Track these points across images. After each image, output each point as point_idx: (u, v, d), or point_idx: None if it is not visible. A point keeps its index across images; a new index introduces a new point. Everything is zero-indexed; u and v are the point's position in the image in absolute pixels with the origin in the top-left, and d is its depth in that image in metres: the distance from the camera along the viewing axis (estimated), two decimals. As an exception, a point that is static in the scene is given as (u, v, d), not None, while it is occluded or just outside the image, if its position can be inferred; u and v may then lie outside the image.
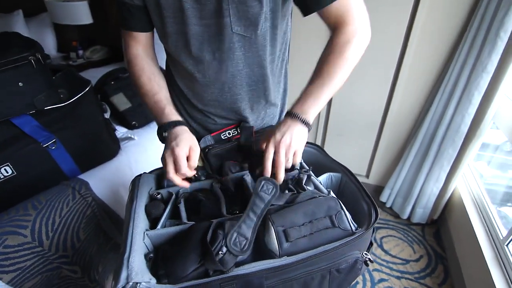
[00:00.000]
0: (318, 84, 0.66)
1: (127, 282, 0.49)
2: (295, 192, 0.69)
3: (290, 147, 0.64)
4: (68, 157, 1.12)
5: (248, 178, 0.76)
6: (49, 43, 2.91)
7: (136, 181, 0.74)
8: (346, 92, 1.75)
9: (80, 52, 2.77)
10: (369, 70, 1.64)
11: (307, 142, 0.88)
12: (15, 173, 1.00)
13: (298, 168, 0.76)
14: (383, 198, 1.90)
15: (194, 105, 0.82)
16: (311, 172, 0.76)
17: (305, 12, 0.67)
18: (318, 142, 2.00)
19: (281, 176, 0.64)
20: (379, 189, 1.97)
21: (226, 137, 0.82)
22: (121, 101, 1.54)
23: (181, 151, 0.62)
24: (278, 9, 0.68)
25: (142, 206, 0.66)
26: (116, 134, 1.43)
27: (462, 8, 1.37)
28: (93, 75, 1.75)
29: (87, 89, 1.10)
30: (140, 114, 1.57)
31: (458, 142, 1.47)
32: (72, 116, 1.08)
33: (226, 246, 0.54)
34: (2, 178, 0.98)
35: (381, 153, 1.88)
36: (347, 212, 0.62)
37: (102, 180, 1.22)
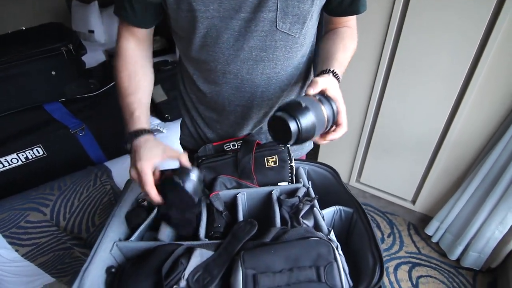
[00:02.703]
0: (339, 53, 0.63)
1: (74, 298, 0.46)
2: (288, 226, 0.58)
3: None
4: (95, 144, 1.17)
5: (242, 197, 0.68)
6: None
7: (128, 184, 0.72)
8: (398, 101, 1.52)
9: (141, 41, 2.96)
10: (429, 79, 1.39)
11: (319, 163, 0.77)
12: (46, 154, 1.07)
13: (300, 195, 0.65)
14: (430, 230, 1.63)
15: (217, 112, 0.76)
16: (315, 202, 0.64)
17: (334, 13, 0.68)
18: (360, 155, 1.80)
19: None
20: (426, 219, 1.70)
21: (229, 149, 0.74)
22: (158, 93, 1.58)
23: (144, 166, 0.53)
24: (321, 7, 0.64)
25: (123, 212, 0.63)
26: (147, 125, 1.46)
27: None
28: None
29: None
30: (175, 107, 1.58)
31: (538, 181, 1.16)
32: (101, 105, 1.13)
33: (187, 281, 0.48)
34: (35, 158, 1.06)
35: (433, 178, 1.60)
36: (342, 265, 0.50)
37: (125, 169, 1.25)
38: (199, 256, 0.51)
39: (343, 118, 0.55)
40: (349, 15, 0.68)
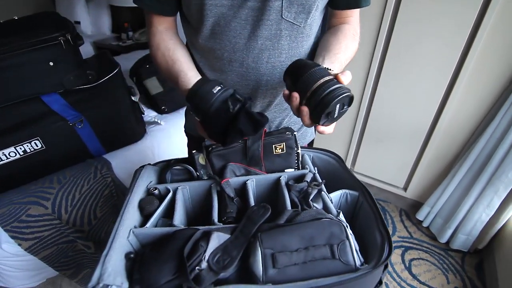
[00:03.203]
0: (341, 54, 0.63)
1: (98, 283, 0.47)
2: (298, 209, 0.61)
3: None
4: (94, 137, 1.16)
5: (252, 183, 0.70)
6: (104, 24, 3.09)
7: (137, 173, 0.72)
8: (391, 92, 1.57)
9: (130, 33, 2.90)
10: (421, 69, 1.44)
11: (325, 150, 0.79)
12: (44, 147, 1.06)
13: (308, 180, 0.67)
14: (421, 216, 1.70)
15: None
16: (323, 186, 0.67)
17: (337, 6, 0.69)
18: (353, 146, 1.85)
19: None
20: (417, 205, 1.77)
21: None
22: (154, 85, 1.56)
23: None
24: None
25: (135, 201, 0.64)
26: (144, 117, 1.45)
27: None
28: (136, 56, 1.80)
29: (114, 71, 1.11)
30: (171, 99, 1.58)
31: (522, 166, 1.23)
32: (100, 97, 1.11)
33: (207, 262, 0.49)
34: (33, 151, 1.04)
35: (424, 165, 1.67)
36: (353, 242, 0.53)
37: (124, 162, 1.25)
38: (216, 239, 0.53)
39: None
40: (351, 8, 0.69)
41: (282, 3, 0.60)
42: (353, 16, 0.72)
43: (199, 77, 0.63)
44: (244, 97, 0.55)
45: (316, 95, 0.50)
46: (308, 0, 0.61)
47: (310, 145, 0.97)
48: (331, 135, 1.90)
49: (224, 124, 0.53)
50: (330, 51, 0.63)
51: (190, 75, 0.62)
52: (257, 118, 0.52)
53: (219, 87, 0.54)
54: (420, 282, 1.42)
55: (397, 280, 1.43)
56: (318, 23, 0.71)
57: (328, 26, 0.74)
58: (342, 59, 0.63)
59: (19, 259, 0.97)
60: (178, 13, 0.71)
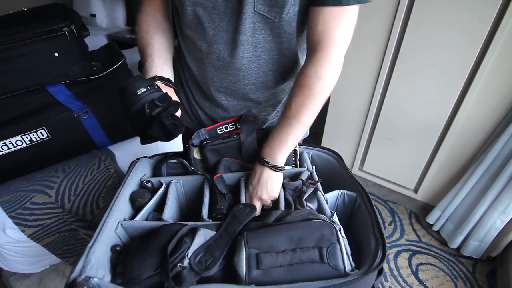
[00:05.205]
0: (285, 126, 0.62)
1: (80, 275, 0.46)
2: (291, 208, 0.59)
3: (266, 199, 0.63)
4: (99, 128, 1.17)
5: (245, 180, 0.68)
6: (119, 17, 3.12)
7: (132, 165, 0.72)
8: (403, 91, 1.50)
9: (143, 26, 2.91)
10: (437, 65, 1.36)
11: (325, 148, 0.77)
12: (50, 137, 1.07)
13: (304, 178, 0.65)
14: (431, 219, 1.64)
15: (204, 91, 0.75)
16: (319, 185, 0.64)
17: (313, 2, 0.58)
18: (363, 143, 1.79)
19: None
20: (428, 208, 1.70)
21: (222, 132, 0.73)
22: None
23: None
24: None
25: (127, 193, 0.63)
26: (150, 110, 1.45)
27: None
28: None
29: (119, 63, 1.11)
30: (177, 92, 1.57)
31: (543, 171, 1.15)
32: (104, 89, 1.12)
33: (189, 262, 0.48)
34: (39, 140, 1.06)
35: (437, 167, 1.59)
36: (344, 246, 0.50)
37: (128, 154, 1.26)
38: (202, 236, 0.52)
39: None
40: (328, 5, 0.55)
41: None
42: (326, 32, 0.57)
43: (165, 66, 0.67)
44: (168, 103, 0.54)
45: None
46: None
47: (312, 142, 0.94)
48: (340, 132, 1.85)
49: (140, 126, 0.54)
50: (283, 122, 0.63)
51: (156, 63, 0.65)
52: (169, 129, 0.53)
53: (145, 89, 0.54)
54: (427, 288, 1.37)
55: (402, 285, 1.39)
56: (304, 19, 0.63)
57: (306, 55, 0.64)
58: (294, 133, 0.62)
59: (22, 245, 1.00)
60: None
